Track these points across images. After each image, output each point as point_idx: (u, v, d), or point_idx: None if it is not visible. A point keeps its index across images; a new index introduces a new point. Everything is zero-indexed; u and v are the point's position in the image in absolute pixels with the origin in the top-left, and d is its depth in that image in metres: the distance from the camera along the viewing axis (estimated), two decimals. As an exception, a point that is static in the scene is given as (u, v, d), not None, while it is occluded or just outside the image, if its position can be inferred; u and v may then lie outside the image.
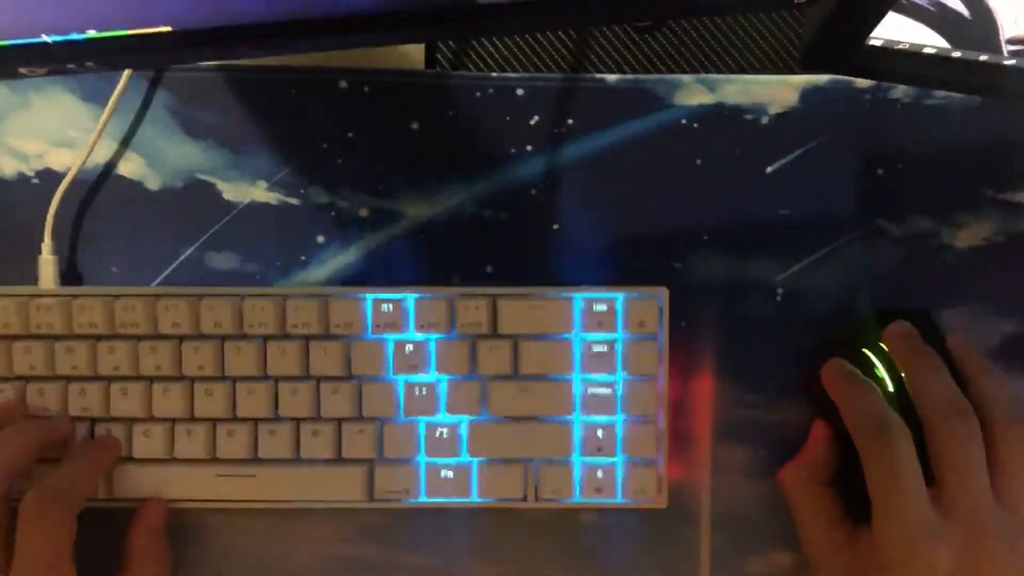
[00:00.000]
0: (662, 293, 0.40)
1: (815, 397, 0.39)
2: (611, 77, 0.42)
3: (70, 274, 0.42)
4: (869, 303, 0.42)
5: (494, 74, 0.43)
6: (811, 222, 0.42)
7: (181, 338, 0.40)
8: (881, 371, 0.38)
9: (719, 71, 0.47)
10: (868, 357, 0.39)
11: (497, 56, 0.47)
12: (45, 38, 0.28)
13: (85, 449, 0.39)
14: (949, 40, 0.34)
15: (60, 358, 0.39)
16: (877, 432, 0.35)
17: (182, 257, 0.42)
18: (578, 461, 0.40)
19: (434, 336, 0.39)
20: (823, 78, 0.42)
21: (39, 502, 0.35)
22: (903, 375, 0.37)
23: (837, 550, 0.36)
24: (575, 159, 0.42)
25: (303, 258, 0.42)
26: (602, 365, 0.39)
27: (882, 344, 0.39)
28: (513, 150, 0.42)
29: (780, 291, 0.42)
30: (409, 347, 0.39)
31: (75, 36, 0.28)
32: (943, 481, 0.34)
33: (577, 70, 0.47)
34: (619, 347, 0.39)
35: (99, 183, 0.42)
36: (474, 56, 0.47)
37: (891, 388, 0.38)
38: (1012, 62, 0.34)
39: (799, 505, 0.39)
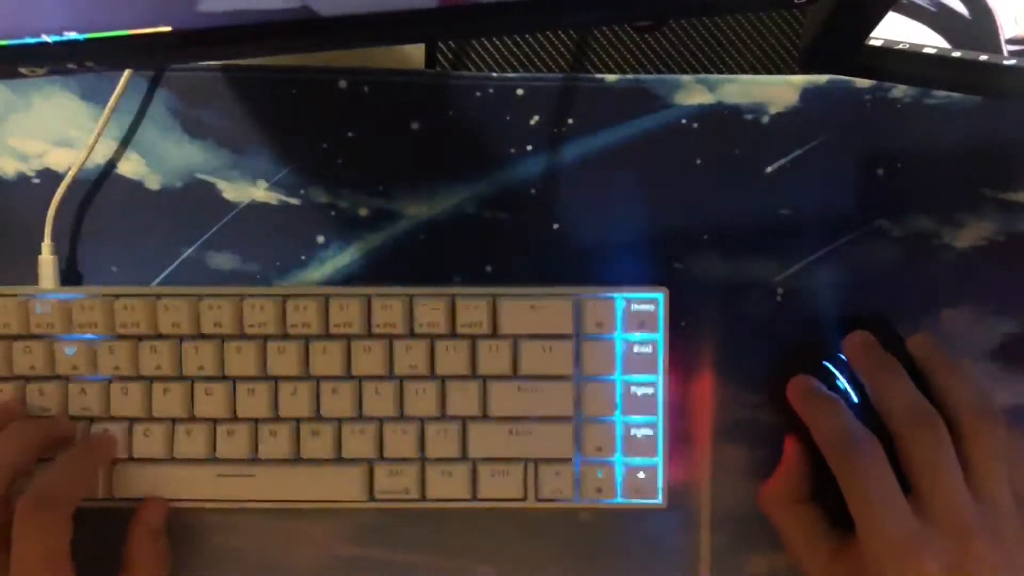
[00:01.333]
0: (662, 293, 0.40)
1: (783, 411, 0.39)
2: (611, 77, 0.42)
3: (70, 274, 0.42)
4: (836, 310, 0.41)
5: (494, 74, 0.43)
6: (811, 222, 0.42)
7: (181, 338, 0.40)
8: (843, 383, 0.38)
9: (719, 71, 0.47)
10: (829, 369, 0.38)
11: (497, 56, 0.47)
12: (45, 38, 0.28)
13: (75, 450, 0.38)
14: (949, 40, 0.34)
15: (60, 358, 0.39)
16: (848, 448, 0.35)
17: (182, 257, 0.42)
18: (578, 461, 0.40)
19: (434, 336, 0.39)
20: (823, 78, 0.42)
21: (30, 508, 0.35)
22: (865, 386, 0.37)
23: (827, 564, 0.36)
24: (575, 159, 0.42)
25: (303, 258, 0.42)
26: (602, 365, 0.39)
27: (842, 355, 0.38)
28: (513, 150, 0.42)
29: (780, 291, 0.42)
30: (409, 347, 0.39)
31: (75, 36, 0.28)
32: (919, 489, 0.34)
33: (577, 70, 0.47)
34: (619, 347, 0.39)
35: (99, 183, 0.42)
36: (474, 56, 0.47)
37: (855, 399, 0.37)
38: (1012, 62, 0.34)
39: (783, 524, 0.38)
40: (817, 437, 0.36)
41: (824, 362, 0.39)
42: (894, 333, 0.39)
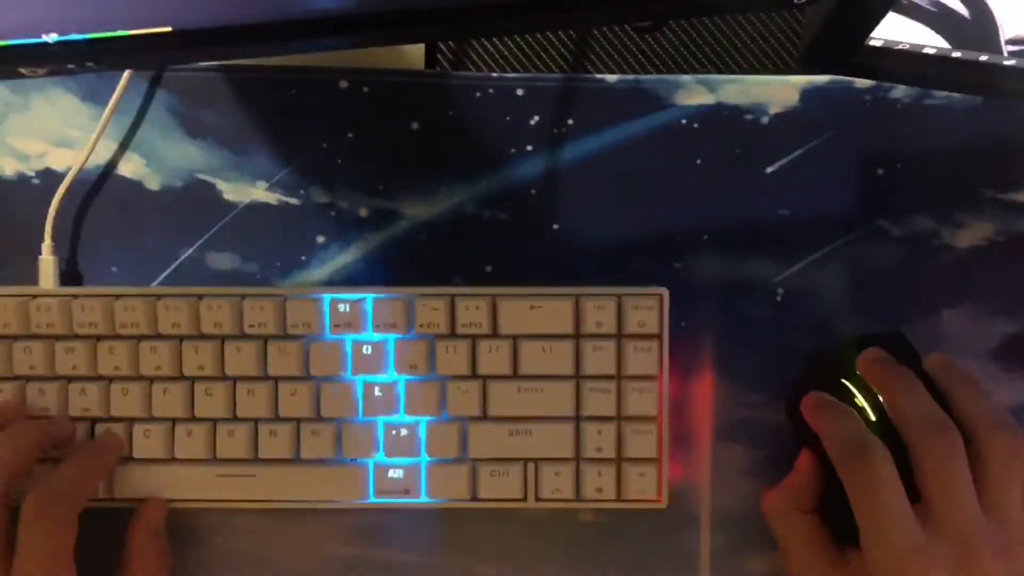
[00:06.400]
0: (662, 293, 0.40)
1: (798, 427, 0.39)
2: (611, 77, 0.42)
3: (70, 274, 0.42)
4: (849, 327, 0.41)
5: (494, 74, 0.43)
6: (811, 222, 0.42)
7: (181, 338, 0.40)
8: (860, 400, 0.38)
9: (719, 71, 0.47)
10: (847, 387, 0.38)
11: (497, 56, 0.47)
12: (45, 38, 0.28)
13: (87, 449, 0.39)
14: (949, 40, 0.34)
15: (60, 358, 0.39)
16: (856, 455, 0.34)
17: (182, 257, 0.42)
18: (578, 461, 0.40)
19: (434, 336, 0.39)
20: (823, 78, 0.42)
21: (41, 503, 0.35)
22: (881, 399, 0.37)
23: (826, 575, 0.36)
24: (575, 159, 0.42)
25: (303, 258, 0.42)
26: (602, 365, 0.39)
27: (859, 372, 0.38)
28: (513, 150, 0.42)
29: (780, 291, 0.42)
30: (408, 346, 0.39)
31: (75, 36, 0.28)
32: (929, 498, 0.33)
33: (577, 70, 0.47)
34: (619, 347, 0.39)
35: (99, 183, 0.42)
36: (474, 56, 0.47)
37: (872, 416, 0.37)
38: (1012, 62, 0.34)
39: (783, 532, 0.38)
40: (827, 443, 0.36)
41: (842, 380, 0.38)
42: (911, 350, 0.39)
